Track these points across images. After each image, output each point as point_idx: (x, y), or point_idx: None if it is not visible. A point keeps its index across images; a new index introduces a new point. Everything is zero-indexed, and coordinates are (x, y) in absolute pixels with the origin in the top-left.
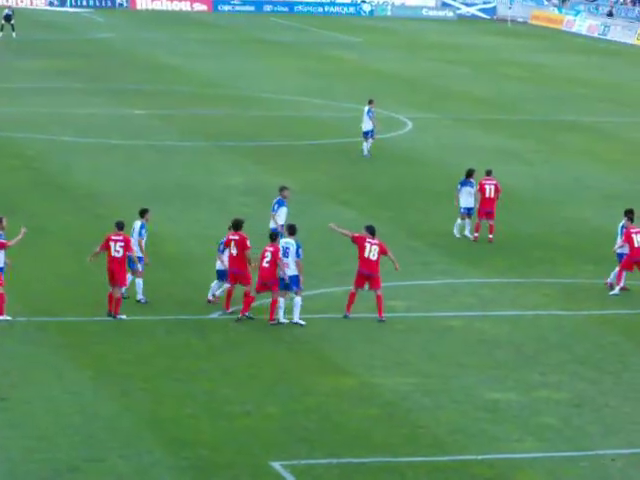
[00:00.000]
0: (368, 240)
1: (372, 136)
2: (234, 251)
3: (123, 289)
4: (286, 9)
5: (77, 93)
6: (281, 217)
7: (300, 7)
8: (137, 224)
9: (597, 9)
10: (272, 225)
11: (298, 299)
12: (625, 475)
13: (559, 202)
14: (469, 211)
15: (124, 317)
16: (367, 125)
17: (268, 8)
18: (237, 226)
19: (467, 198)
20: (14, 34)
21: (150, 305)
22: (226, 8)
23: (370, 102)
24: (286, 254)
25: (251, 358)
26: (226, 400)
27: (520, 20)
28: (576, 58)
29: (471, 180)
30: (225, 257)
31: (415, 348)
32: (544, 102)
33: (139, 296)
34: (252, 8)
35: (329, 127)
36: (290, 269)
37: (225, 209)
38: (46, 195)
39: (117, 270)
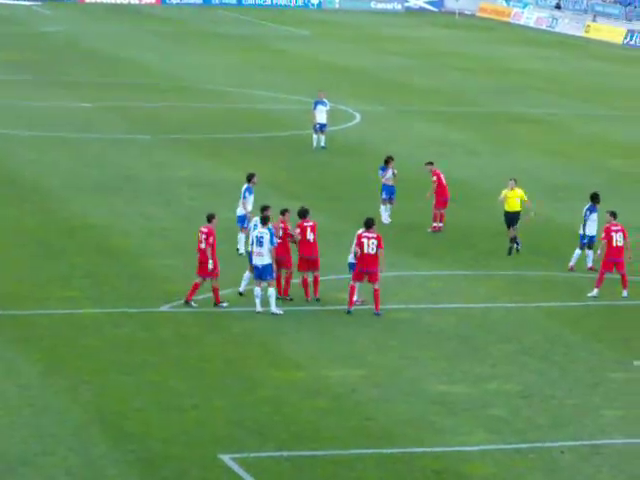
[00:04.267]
0: (364, 235)
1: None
2: (310, 237)
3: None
4: (234, 2)
5: (25, 86)
6: (249, 204)
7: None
8: (255, 220)
9: (545, 1)
10: (239, 212)
11: (272, 290)
12: (573, 467)
13: None
14: (390, 197)
15: (225, 304)
16: (322, 117)
17: (216, 1)
18: (304, 213)
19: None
20: None
21: (96, 298)
22: (174, 1)
23: (320, 92)
24: (260, 243)
25: (200, 351)
26: (175, 393)
27: (467, 12)
28: (524, 50)
29: (389, 167)
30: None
31: (364, 340)
32: (491, 94)
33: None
34: (200, 1)
35: (277, 120)
36: (265, 258)
37: (172, 202)
38: None
39: (205, 260)
